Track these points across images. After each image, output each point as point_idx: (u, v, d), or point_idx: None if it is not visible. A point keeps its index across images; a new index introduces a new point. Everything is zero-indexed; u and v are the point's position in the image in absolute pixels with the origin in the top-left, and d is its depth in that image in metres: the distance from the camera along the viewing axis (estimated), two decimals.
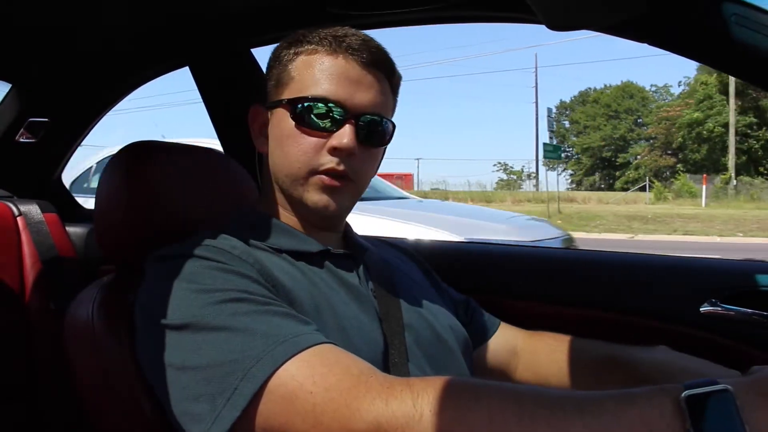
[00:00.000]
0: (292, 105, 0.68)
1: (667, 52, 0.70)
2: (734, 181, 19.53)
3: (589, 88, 36.87)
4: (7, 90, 1.35)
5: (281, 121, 0.70)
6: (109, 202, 0.77)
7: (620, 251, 1.21)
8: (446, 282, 0.94)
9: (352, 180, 0.69)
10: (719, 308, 0.98)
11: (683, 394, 0.42)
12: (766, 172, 22.29)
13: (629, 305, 1.06)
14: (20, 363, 1.15)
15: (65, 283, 1.21)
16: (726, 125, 22.07)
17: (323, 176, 0.68)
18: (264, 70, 0.76)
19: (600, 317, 1.07)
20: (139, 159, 0.77)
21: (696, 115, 23.93)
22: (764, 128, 22.17)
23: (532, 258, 1.23)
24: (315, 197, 0.69)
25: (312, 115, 0.67)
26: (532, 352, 0.88)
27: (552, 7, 0.66)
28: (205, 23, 1.18)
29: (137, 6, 1.05)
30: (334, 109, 0.67)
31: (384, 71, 0.71)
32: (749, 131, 22.81)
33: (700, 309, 0.99)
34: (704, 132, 23.59)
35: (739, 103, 22.08)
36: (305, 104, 0.67)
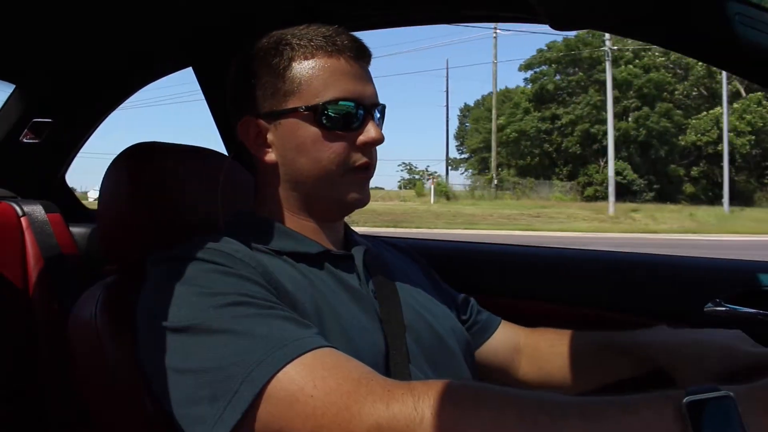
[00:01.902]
0: (312, 112, 0.69)
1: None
2: (495, 181, 23.65)
3: (491, 92, 38.63)
4: (10, 91, 1.36)
5: (298, 129, 0.70)
6: (111, 203, 0.77)
7: (623, 251, 1.20)
8: (446, 282, 0.94)
9: (373, 167, 0.74)
10: (723, 308, 0.98)
11: (684, 400, 0.42)
12: (560, 172, 25.38)
13: (632, 305, 1.06)
14: (23, 362, 1.16)
15: (69, 283, 1.21)
16: (521, 131, 25.70)
17: (357, 172, 0.72)
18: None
19: (602, 317, 1.07)
20: (142, 160, 0.77)
21: (500, 120, 26.60)
22: (556, 134, 25.22)
23: (533, 258, 1.23)
24: (353, 194, 0.72)
25: (337, 118, 0.69)
26: (534, 348, 0.88)
27: (556, 7, 0.66)
28: (209, 23, 1.18)
29: (141, 6, 1.05)
30: (354, 108, 0.70)
31: (368, 61, 0.74)
32: (545, 137, 25.72)
33: (704, 309, 0.99)
34: (503, 136, 26.34)
35: (550, 108, 25.34)
36: (328, 109, 0.68)
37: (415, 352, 0.70)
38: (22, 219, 1.24)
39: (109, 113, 1.52)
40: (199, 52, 1.31)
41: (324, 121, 0.69)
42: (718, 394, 0.42)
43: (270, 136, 0.72)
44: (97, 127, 1.53)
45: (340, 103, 0.69)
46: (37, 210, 1.27)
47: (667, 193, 22.89)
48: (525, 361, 0.88)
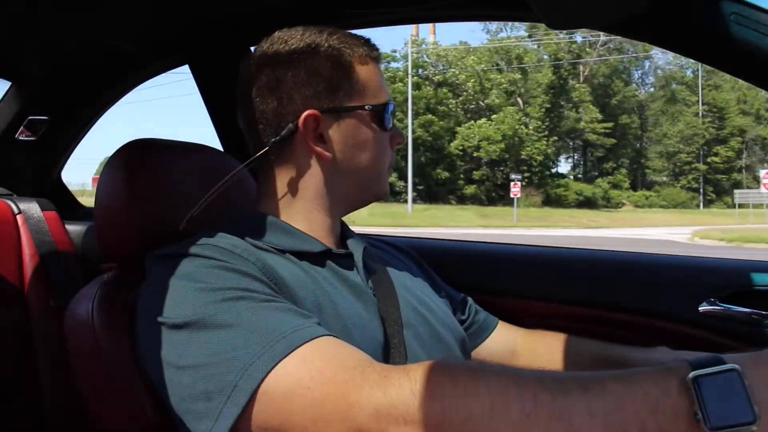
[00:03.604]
0: (377, 111, 0.74)
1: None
2: None
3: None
4: (6, 88, 1.35)
5: (360, 126, 0.74)
6: (109, 200, 0.77)
7: (620, 250, 1.21)
8: (446, 281, 0.94)
9: None
10: (718, 307, 0.99)
11: (690, 374, 0.42)
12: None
13: (628, 304, 1.06)
14: (20, 361, 1.15)
15: (65, 281, 1.21)
16: None
17: (390, 169, 0.80)
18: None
19: (599, 316, 1.07)
20: (140, 157, 0.77)
21: None
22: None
23: (532, 257, 1.23)
24: (387, 188, 0.80)
25: (387, 120, 0.75)
26: (532, 352, 0.88)
27: (552, 6, 0.66)
28: (206, 21, 1.18)
29: (138, 3, 1.05)
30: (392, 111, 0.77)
31: None
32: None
33: (699, 308, 1.00)
34: None
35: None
36: (386, 110, 0.75)
37: (413, 348, 0.70)
38: (18, 217, 1.24)
39: (106, 110, 1.51)
40: (196, 50, 1.31)
41: (383, 121, 0.75)
42: (723, 368, 0.42)
43: (331, 132, 0.73)
44: (94, 124, 1.53)
45: (391, 105, 0.76)
46: (33, 208, 1.26)
47: (436, 193, 27.63)
48: (521, 364, 0.88)
